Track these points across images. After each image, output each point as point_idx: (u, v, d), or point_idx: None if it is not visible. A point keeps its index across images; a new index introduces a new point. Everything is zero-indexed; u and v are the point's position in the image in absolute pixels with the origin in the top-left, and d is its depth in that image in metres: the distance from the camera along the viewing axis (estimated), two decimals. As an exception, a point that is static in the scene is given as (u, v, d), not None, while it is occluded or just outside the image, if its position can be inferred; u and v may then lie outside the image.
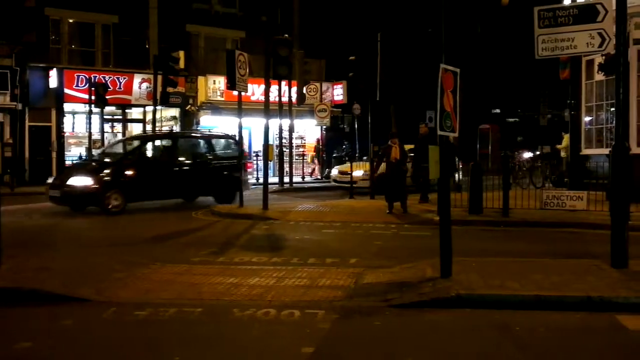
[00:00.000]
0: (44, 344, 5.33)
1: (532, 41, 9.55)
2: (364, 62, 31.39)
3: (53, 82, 23.99)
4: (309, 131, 30.08)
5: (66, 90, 24.05)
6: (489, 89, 36.63)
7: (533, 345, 5.28)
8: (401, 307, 6.21)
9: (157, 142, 17.04)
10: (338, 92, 30.86)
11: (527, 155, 21.87)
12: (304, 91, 25.47)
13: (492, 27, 32.56)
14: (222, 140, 17.31)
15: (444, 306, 6.18)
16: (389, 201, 13.59)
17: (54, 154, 23.86)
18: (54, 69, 23.98)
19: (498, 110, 39.81)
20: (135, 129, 27.20)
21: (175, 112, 27.25)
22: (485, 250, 9.29)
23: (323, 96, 29.09)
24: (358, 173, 19.23)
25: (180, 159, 15.98)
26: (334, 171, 21.98)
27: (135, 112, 26.85)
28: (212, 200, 16.43)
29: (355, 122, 31.38)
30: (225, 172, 15.77)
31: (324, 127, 27.54)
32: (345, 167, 20.41)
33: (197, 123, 27.34)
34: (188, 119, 27.20)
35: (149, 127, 24.94)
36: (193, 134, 19.43)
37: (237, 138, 16.21)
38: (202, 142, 17.16)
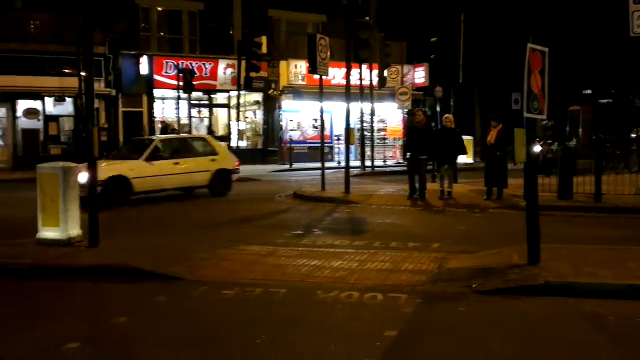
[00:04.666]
0: (140, 319, 5.62)
1: (626, 17, 9.05)
2: (446, 43, 30.69)
3: (144, 68, 24.98)
4: (390, 114, 29.86)
5: (156, 77, 24.99)
6: (580, 68, 34.98)
7: (627, 335, 5.07)
8: (486, 294, 6.11)
9: None
10: (419, 75, 30.39)
11: None
12: (385, 74, 25.23)
13: (582, 3, 30.99)
14: None
15: (531, 294, 6.03)
16: (487, 186, 13.19)
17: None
18: (144, 56, 24.96)
19: (589, 91, 37.94)
20: (221, 113, 27.92)
21: (258, 96, 27.74)
22: (576, 236, 8.96)
23: (404, 79, 28.71)
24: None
25: None
26: None
27: (220, 97, 27.53)
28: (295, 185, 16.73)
29: (437, 105, 30.83)
30: None
31: (405, 110, 27.25)
32: None
33: (279, 107, 27.73)
34: (270, 103, 27.64)
35: (233, 112, 25.54)
36: None
37: None
38: None
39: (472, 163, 23.91)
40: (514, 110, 23.54)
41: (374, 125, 25.47)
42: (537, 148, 18.42)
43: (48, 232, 8.17)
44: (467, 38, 32.75)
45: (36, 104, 23.60)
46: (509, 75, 26.85)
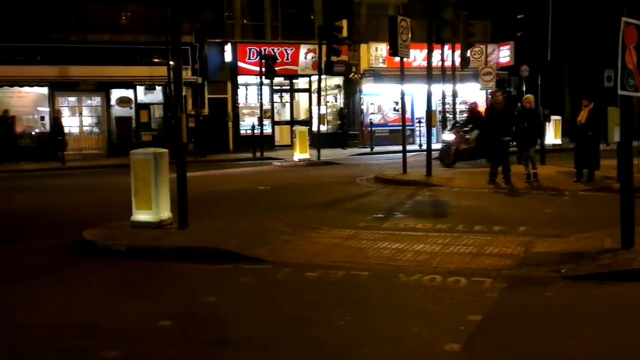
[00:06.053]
0: (227, 299, 5.83)
1: None
2: (533, 20, 29.50)
3: (228, 56, 25.58)
4: (472, 96, 29.11)
5: (239, 64, 25.53)
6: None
7: None
8: (576, 279, 5.91)
9: None
10: (504, 54, 29.42)
11: None
12: (468, 54, 24.57)
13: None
14: None
15: (625, 279, 5.79)
16: (578, 168, 12.71)
17: (230, 124, 25.58)
18: (229, 44, 25.53)
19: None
20: (302, 98, 28.18)
21: (339, 80, 27.75)
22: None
23: (488, 59, 27.92)
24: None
25: None
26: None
27: (301, 82, 27.78)
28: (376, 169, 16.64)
29: (523, 85, 29.77)
30: None
31: (489, 91, 26.50)
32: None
33: (360, 91, 27.65)
34: (351, 87, 27.61)
35: (314, 96, 25.68)
36: None
37: None
38: None
39: (560, 144, 23.00)
40: (606, 88, 22.38)
41: (456, 107, 24.94)
42: (449, 137, 17.49)
43: (141, 215, 8.58)
44: (556, 13, 31.36)
45: (128, 93, 24.70)
46: (601, 51, 25.54)
